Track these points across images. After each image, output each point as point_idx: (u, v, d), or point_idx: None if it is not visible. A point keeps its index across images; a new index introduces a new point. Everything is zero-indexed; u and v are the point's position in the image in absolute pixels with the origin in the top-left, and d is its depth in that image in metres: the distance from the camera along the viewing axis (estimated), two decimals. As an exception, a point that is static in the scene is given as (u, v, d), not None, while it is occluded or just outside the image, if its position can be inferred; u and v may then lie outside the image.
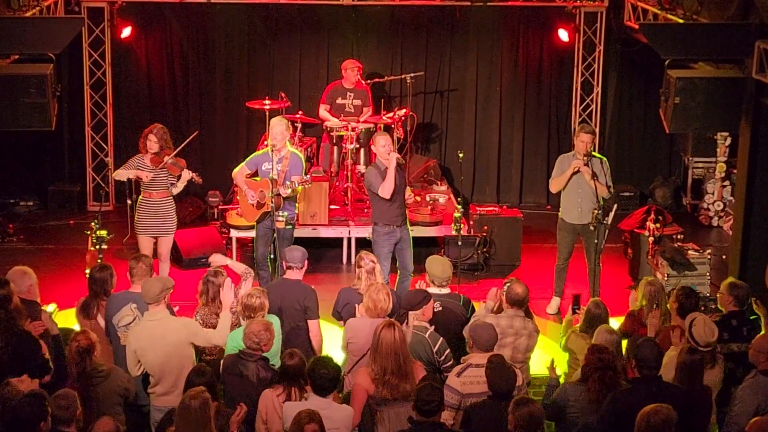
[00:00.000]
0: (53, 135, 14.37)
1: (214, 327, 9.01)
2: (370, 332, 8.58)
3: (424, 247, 12.74)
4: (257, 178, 11.90)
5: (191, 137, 12.03)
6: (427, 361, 8.74)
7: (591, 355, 8.00)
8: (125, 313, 9.12)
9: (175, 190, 11.92)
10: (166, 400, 8.45)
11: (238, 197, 12.67)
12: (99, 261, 11.29)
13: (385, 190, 11.51)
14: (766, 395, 7.89)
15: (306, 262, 9.81)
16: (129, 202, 12.35)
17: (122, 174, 11.90)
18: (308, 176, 12.11)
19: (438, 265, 9.74)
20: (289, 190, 11.58)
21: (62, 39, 11.85)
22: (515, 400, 7.24)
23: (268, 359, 8.42)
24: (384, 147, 11.53)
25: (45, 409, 7.19)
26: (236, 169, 12.01)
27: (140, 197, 11.88)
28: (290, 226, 11.76)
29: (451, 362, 8.83)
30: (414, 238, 13.46)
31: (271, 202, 11.45)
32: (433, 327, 8.97)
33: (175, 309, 9.26)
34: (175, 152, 11.77)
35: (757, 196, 12.10)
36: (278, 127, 11.65)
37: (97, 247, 11.64)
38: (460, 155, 12.98)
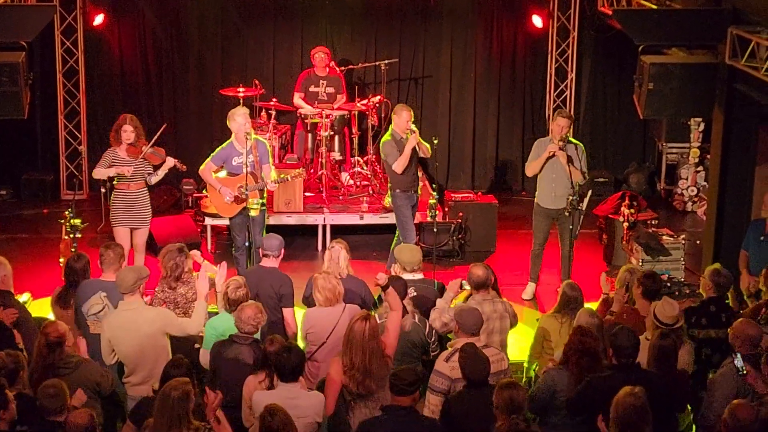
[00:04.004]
0: (25, 124, 14.26)
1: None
2: (328, 321, 8.66)
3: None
4: (221, 173, 11.81)
5: (161, 130, 11.86)
6: (420, 344, 8.80)
7: (574, 336, 8.02)
8: (95, 301, 9.06)
9: (155, 179, 11.73)
10: (141, 390, 8.40)
11: (207, 194, 12.58)
12: (73, 250, 11.25)
13: (399, 165, 12.04)
14: (744, 381, 7.92)
15: (282, 250, 9.81)
16: (103, 190, 12.27)
17: (102, 173, 11.62)
18: (302, 170, 12.77)
19: (406, 251, 9.84)
20: (277, 185, 11.87)
21: (34, 27, 11.78)
22: (500, 382, 7.25)
23: (260, 341, 8.43)
24: (407, 122, 11.98)
25: (5, 397, 7.12)
26: (202, 167, 11.81)
27: (114, 189, 11.69)
28: (264, 208, 11.81)
29: (437, 344, 8.93)
30: (389, 225, 13.54)
31: (245, 195, 11.44)
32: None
33: (146, 299, 9.18)
34: (152, 142, 11.64)
35: (730, 181, 12.16)
36: (241, 118, 11.57)
37: (72, 235, 11.59)
38: (435, 142, 13.00)
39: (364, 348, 7.92)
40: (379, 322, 8.42)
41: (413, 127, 12.07)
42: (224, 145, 11.84)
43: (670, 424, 7.94)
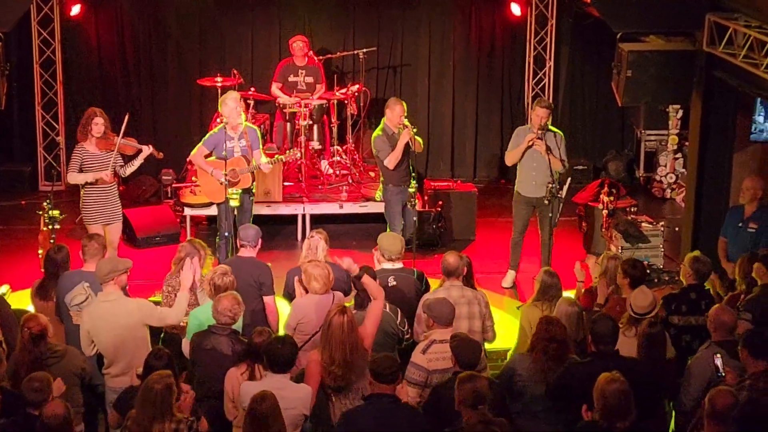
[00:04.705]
0: (2, 114, 14.19)
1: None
2: (320, 310, 8.59)
3: (382, 222, 12.73)
4: (213, 158, 11.79)
5: (126, 121, 11.64)
6: (392, 333, 8.77)
7: (540, 325, 8.07)
8: (78, 292, 9.03)
9: (130, 169, 11.55)
10: (121, 381, 8.39)
11: (195, 179, 12.52)
12: (52, 241, 11.20)
13: (391, 161, 11.89)
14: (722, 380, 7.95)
15: (260, 240, 9.80)
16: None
17: (79, 178, 11.33)
18: (294, 150, 12.81)
19: (388, 238, 9.81)
20: (271, 165, 11.91)
21: (11, 17, 11.70)
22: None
23: (239, 332, 8.42)
24: (400, 116, 11.82)
25: None
26: (194, 152, 11.82)
27: (85, 186, 11.39)
28: (252, 197, 11.88)
29: (410, 335, 8.91)
30: (369, 214, 13.55)
31: (224, 179, 11.43)
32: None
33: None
34: (122, 132, 11.48)
35: (708, 167, 12.21)
36: (232, 102, 11.57)
37: (50, 227, 11.52)
38: (414, 131, 13.00)
39: (344, 342, 7.86)
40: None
41: (406, 121, 11.92)
42: (215, 130, 11.86)
43: (656, 410, 7.99)
